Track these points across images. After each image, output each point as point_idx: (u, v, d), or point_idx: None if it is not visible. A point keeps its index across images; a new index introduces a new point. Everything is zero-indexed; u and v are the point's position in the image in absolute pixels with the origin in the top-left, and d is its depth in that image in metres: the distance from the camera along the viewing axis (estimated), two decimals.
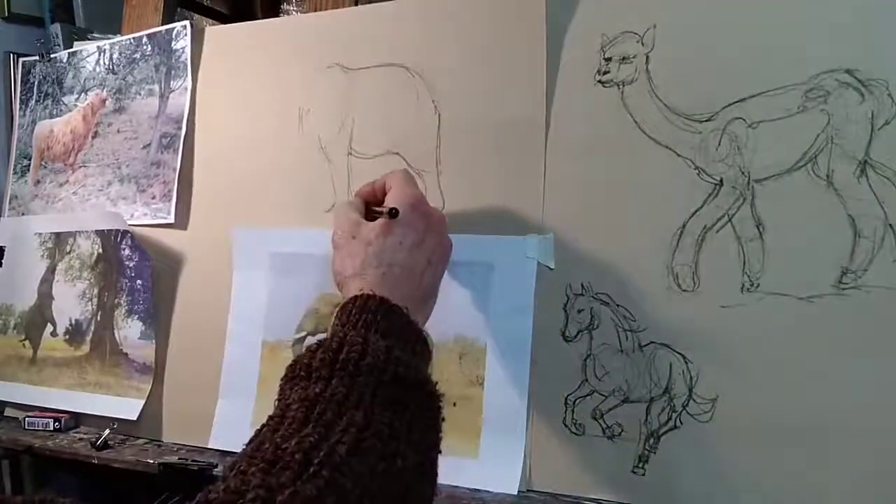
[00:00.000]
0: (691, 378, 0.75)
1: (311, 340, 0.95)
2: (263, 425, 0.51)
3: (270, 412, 0.55)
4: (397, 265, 0.67)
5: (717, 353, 0.75)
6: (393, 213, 0.69)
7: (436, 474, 0.55)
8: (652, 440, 0.77)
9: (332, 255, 0.72)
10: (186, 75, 1.09)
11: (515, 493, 0.80)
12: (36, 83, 1.28)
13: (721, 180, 0.76)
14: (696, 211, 0.77)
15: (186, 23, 1.11)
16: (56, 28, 1.31)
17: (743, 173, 0.75)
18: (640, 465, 0.77)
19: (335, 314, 0.63)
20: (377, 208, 0.72)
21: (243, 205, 1.02)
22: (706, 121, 0.77)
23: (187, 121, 1.08)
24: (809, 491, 0.70)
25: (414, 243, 0.69)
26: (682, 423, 0.76)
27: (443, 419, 0.57)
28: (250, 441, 0.50)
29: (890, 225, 0.69)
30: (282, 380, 0.57)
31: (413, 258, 0.68)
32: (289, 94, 1.01)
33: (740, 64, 0.76)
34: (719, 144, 0.76)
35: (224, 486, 0.44)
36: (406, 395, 0.54)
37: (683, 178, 0.77)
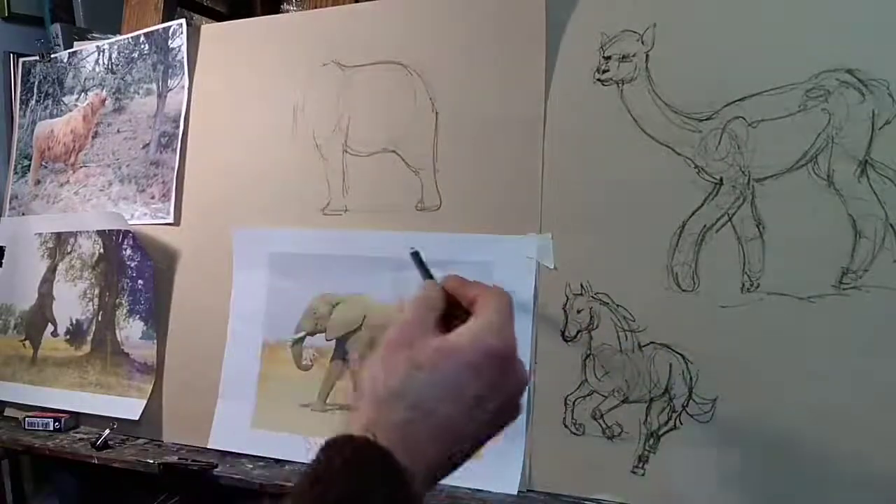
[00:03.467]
0: (691, 378, 0.75)
1: (310, 340, 0.95)
2: None
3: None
4: (435, 417, 0.47)
5: (717, 353, 0.74)
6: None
7: None
8: (652, 440, 0.77)
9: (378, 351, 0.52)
10: (183, 74, 1.09)
11: (515, 492, 0.80)
12: (36, 83, 1.28)
13: (721, 179, 0.76)
14: (695, 210, 0.76)
15: (182, 21, 1.11)
16: (56, 28, 1.31)
17: (743, 172, 0.75)
18: (640, 465, 0.77)
19: (324, 447, 0.45)
20: (459, 313, 0.54)
21: (240, 203, 1.02)
22: (706, 119, 0.77)
23: (184, 119, 1.08)
24: (809, 491, 0.70)
25: (474, 397, 0.48)
26: (682, 423, 0.75)
27: None
28: None
29: (890, 225, 0.69)
30: None
31: (462, 416, 0.48)
32: (284, 92, 1.00)
33: (740, 63, 0.76)
34: (719, 143, 0.76)
35: None
36: None
37: (683, 178, 0.77)
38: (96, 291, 1.13)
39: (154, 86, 1.13)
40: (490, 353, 0.49)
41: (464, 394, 0.48)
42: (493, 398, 0.49)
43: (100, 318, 1.12)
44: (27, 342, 1.19)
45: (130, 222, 1.10)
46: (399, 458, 0.44)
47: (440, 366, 0.48)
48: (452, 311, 0.54)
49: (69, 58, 1.24)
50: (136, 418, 1.04)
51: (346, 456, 0.44)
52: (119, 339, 1.10)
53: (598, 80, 0.82)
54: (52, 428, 1.07)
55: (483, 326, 0.50)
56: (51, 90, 1.26)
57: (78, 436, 1.06)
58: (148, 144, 1.12)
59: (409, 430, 0.46)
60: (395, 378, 0.48)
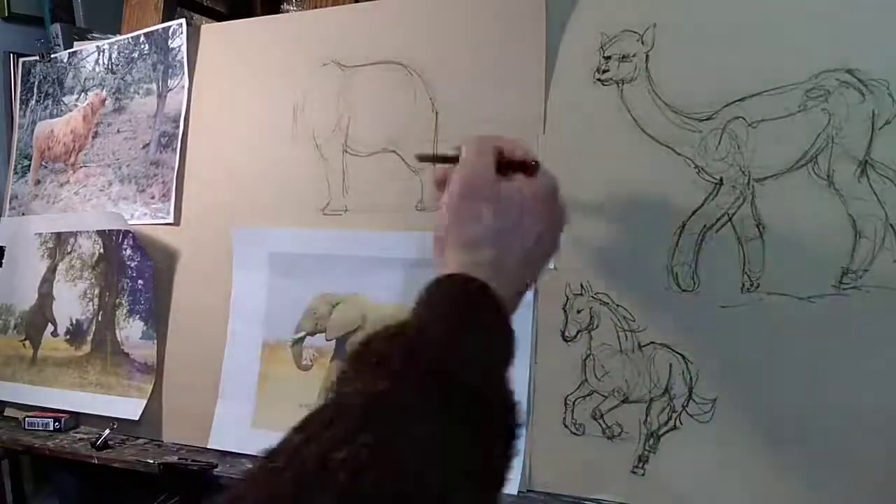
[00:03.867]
0: (691, 378, 0.75)
1: (310, 340, 0.95)
2: (315, 411, 0.42)
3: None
4: (514, 252, 0.55)
5: (717, 353, 0.74)
6: (534, 164, 0.58)
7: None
8: (652, 440, 0.76)
9: (447, 198, 0.57)
10: (183, 74, 1.09)
11: (515, 493, 0.79)
12: (36, 83, 1.28)
13: (721, 179, 0.76)
14: (695, 210, 0.76)
15: (182, 21, 1.11)
16: (56, 28, 1.31)
17: (743, 172, 0.75)
18: (640, 465, 0.77)
19: (426, 289, 0.52)
20: (513, 160, 0.59)
21: (240, 203, 1.02)
22: (706, 119, 0.76)
23: (184, 120, 1.08)
24: (809, 491, 0.70)
25: (541, 232, 0.56)
26: (682, 423, 0.75)
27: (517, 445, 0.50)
28: (300, 427, 0.41)
29: (890, 225, 0.69)
30: (349, 357, 0.48)
31: (534, 247, 0.56)
32: (285, 92, 1.01)
33: (740, 63, 0.75)
34: (719, 143, 0.76)
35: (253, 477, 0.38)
36: (481, 419, 0.45)
37: (683, 177, 0.77)
38: (96, 291, 1.13)
39: (154, 86, 1.13)
40: (547, 189, 0.58)
41: (532, 228, 0.56)
42: (551, 231, 0.59)
43: (100, 318, 1.12)
44: (27, 342, 1.19)
45: (130, 222, 1.10)
46: (493, 289, 0.51)
47: (510, 204, 0.55)
48: (506, 164, 0.59)
49: (69, 58, 1.24)
50: (136, 418, 1.04)
51: (451, 288, 0.51)
52: (119, 339, 1.10)
53: (598, 80, 0.82)
54: (52, 428, 1.07)
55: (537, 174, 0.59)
56: (51, 90, 1.26)
57: (78, 436, 1.06)
58: (148, 144, 1.12)
59: (497, 266, 0.53)
60: (476, 222, 0.55)
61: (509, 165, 0.59)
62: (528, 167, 0.59)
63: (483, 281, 0.52)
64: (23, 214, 1.25)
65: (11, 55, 1.33)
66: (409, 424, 0.41)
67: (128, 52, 1.17)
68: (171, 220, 1.07)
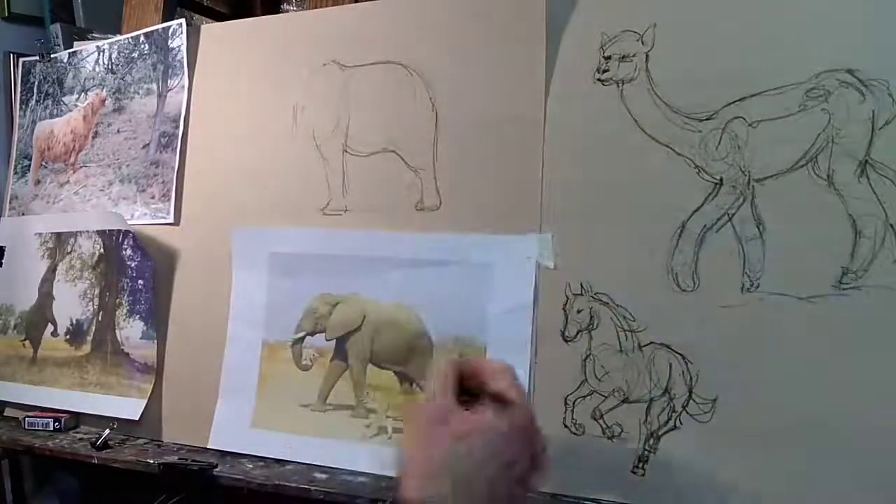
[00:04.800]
0: (691, 378, 0.75)
1: (310, 340, 0.95)
2: None
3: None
4: (477, 483, 0.53)
5: (717, 353, 0.74)
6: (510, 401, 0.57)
7: None
8: (652, 440, 0.76)
9: (406, 432, 0.60)
10: (183, 74, 1.09)
11: None
12: (36, 83, 1.28)
13: (721, 179, 0.76)
14: (695, 210, 0.76)
15: (182, 21, 1.11)
16: (56, 28, 1.31)
17: (743, 172, 0.75)
18: (640, 465, 0.77)
19: None
20: (474, 391, 0.59)
21: (240, 203, 1.02)
22: (706, 119, 0.76)
23: (184, 119, 1.08)
24: (809, 491, 0.70)
25: (509, 461, 0.54)
26: (682, 423, 0.75)
27: None
28: None
29: (891, 225, 0.69)
30: None
31: (499, 480, 0.54)
32: (284, 92, 1.00)
33: (740, 63, 0.76)
34: (719, 143, 0.76)
35: None
36: None
37: (683, 177, 0.77)
38: (96, 291, 1.13)
39: (154, 86, 1.13)
40: (516, 424, 0.56)
41: (499, 459, 0.54)
42: (521, 461, 0.55)
43: (100, 318, 1.12)
44: (27, 342, 1.19)
45: (130, 222, 1.10)
46: None
47: (477, 438, 0.54)
48: (467, 392, 0.59)
49: (69, 58, 1.24)
50: (136, 418, 1.04)
51: None
52: (119, 339, 1.09)
53: (599, 79, 0.82)
54: (52, 428, 1.07)
55: (505, 389, 0.58)
56: (51, 90, 1.26)
57: (78, 436, 1.06)
58: (148, 144, 1.12)
59: (457, 498, 0.52)
60: (438, 452, 0.54)
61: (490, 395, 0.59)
62: (503, 400, 0.57)
63: None
64: (23, 214, 1.25)
65: (11, 55, 1.33)
66: None
67: (128, 52, 1.17)
68: (171, 220, 1.07)
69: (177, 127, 1.09)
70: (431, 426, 0.57)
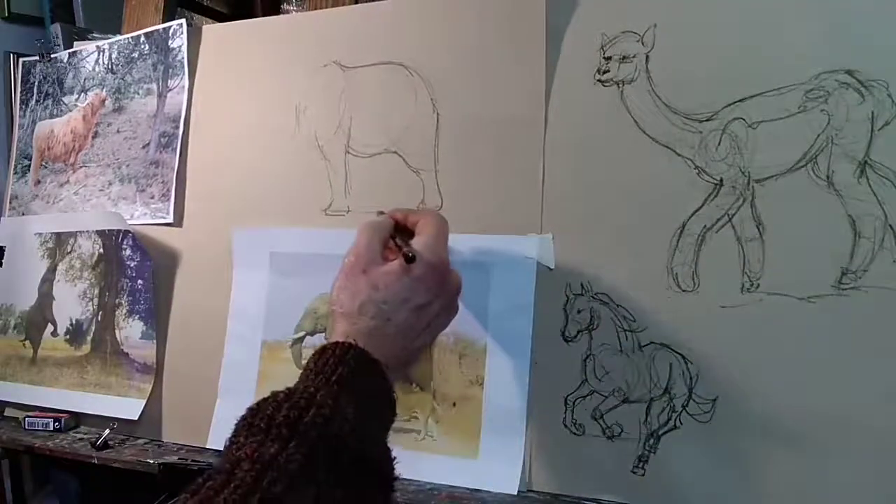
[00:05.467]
0: (691, 378, 0.75)
1: (310, 340, 0.95)
2: (208, 476, 0.47)
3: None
4: (395, 322, 0.63)
5: (717, 353, 0.75)
6: (411, 258, 0.64)
7: None
8: (652, 440, 0.77)
9: (338, 274, 0.67)
10: (183, 74, 1.09)
11: (515, 493, 0.80)
12: (36, 83, 1.28)
13: (721, 180, 0.76)
14: (695, 211, 0.77)
15: (182, 21, 1.11)
16: (56, 28, 1.31)
17: (743, 173, 0.75)
18: (640, 465, 0.77)
19: (312, 356, 0.59)
20: (399, 242, 0.67)
21: (241, 203, 1.02)
22: (706, 120, 0.77)
23: (184, 120, 1.08)
24: (810, 491, 0.70)
25: (420, 305, 0.64)
26: (682, 423, 0.75)
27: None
28: (193, 491, 0.46)
29: (890, 225, 0.69)
30: (239, 421, 0.53)
31: (414, 319, 0.64)
32: (286, 93, 1.01)
33: (740, 64, 0.76)
34: (719, 144, 0.76)
35: None
36: (363, 478, 0.51)
37: (683, 178, 0.77)
38: (96, 291, 1.13)
39: (154, 86, 1.13)
40: (429, 268, 0.64)
41: (413, 302, 0.64)
42: (436, 301, 0.66)
43: (99, 318, 1.12)
44: (27, 342, 1.19)
45: (130, 222, 1.10)
46: (372, 354, 0.59)
47: (392, 284, 0.63)
48: (395, 240, 0.68)
49: (69, 58, 1.24)
50: (136, 418, 1.04)
51: (337, 355, 0.58)
52: (119, 339, 1.10)
53: (599, 80, 0.82)
54: (52, 428, 1.07)
55: (423, 241, 0.66)
56: (51, 90, 1.26)
57: (78, 436, 1.06)
58: (148, 144, 1.12)
59: (376, 334, 0.62)
60: (358, 297, 0.63)
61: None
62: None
63: (362, 347, 0.59)
64: (23, 214, 1.25)
65: (11, 55, 1.33)
66: (297, 486, 0.46)
67: (128, 52, 1.17)
68: (170, 220, 1.07)
69: (177, 127, 1.09)
70: (355, 275, 0.65)
